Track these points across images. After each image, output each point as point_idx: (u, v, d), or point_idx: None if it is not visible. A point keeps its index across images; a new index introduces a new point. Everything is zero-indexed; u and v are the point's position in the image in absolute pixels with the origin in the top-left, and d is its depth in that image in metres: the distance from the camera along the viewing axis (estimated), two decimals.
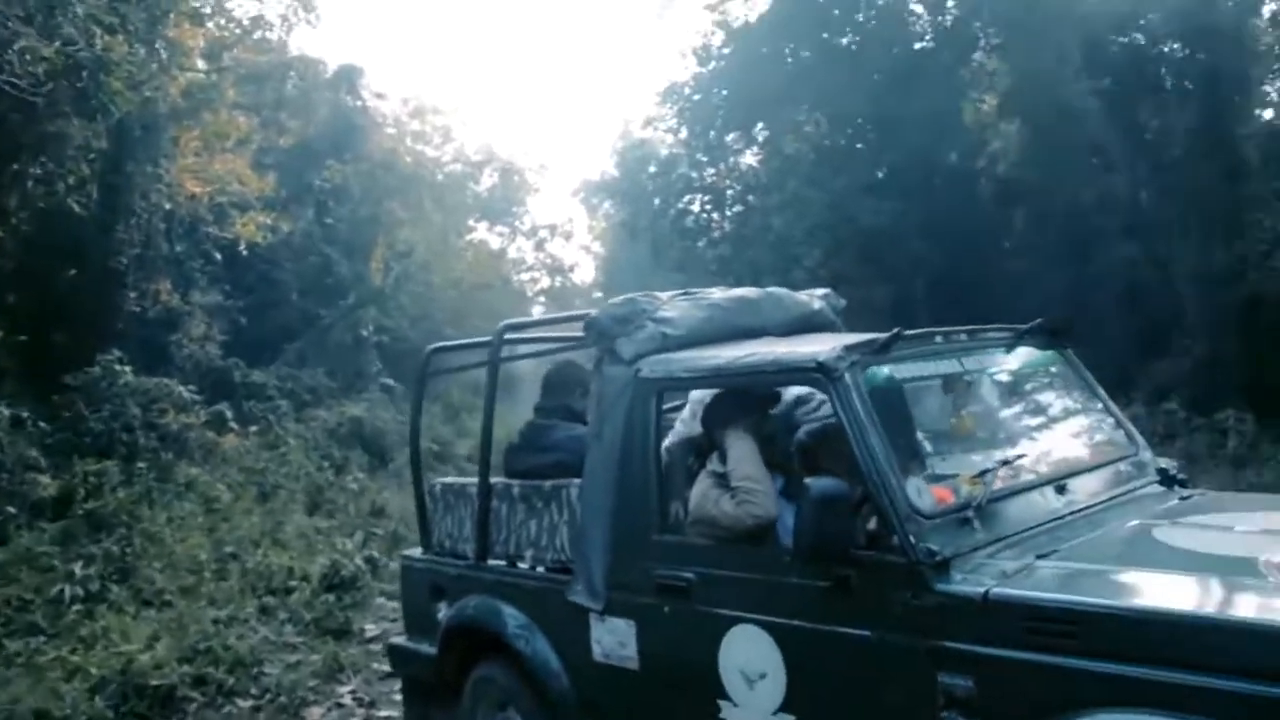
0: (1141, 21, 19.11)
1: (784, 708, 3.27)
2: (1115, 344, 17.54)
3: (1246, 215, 15.48)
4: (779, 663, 3.25)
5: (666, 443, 4.15)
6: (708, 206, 23.08)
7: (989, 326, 4.34)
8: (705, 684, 3.46)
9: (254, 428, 16.52)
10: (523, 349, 6.13)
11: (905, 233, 19.15)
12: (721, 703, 3.44)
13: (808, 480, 3.16)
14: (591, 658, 3.90)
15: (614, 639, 3.80)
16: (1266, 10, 21.04)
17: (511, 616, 4.25)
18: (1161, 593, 2.82)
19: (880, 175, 20.10)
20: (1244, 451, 13.07)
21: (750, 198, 22.42)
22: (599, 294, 34.54)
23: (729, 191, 23.21)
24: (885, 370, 3.57)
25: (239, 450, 15.08)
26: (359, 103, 24.87)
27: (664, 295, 4.35)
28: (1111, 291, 17.74)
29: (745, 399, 3.84)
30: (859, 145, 20.88)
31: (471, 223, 33.84)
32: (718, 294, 4.54)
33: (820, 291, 5.14)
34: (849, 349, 3.38)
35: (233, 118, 18.58)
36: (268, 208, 19.43)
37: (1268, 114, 21.13)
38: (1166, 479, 4.01)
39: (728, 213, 22.98)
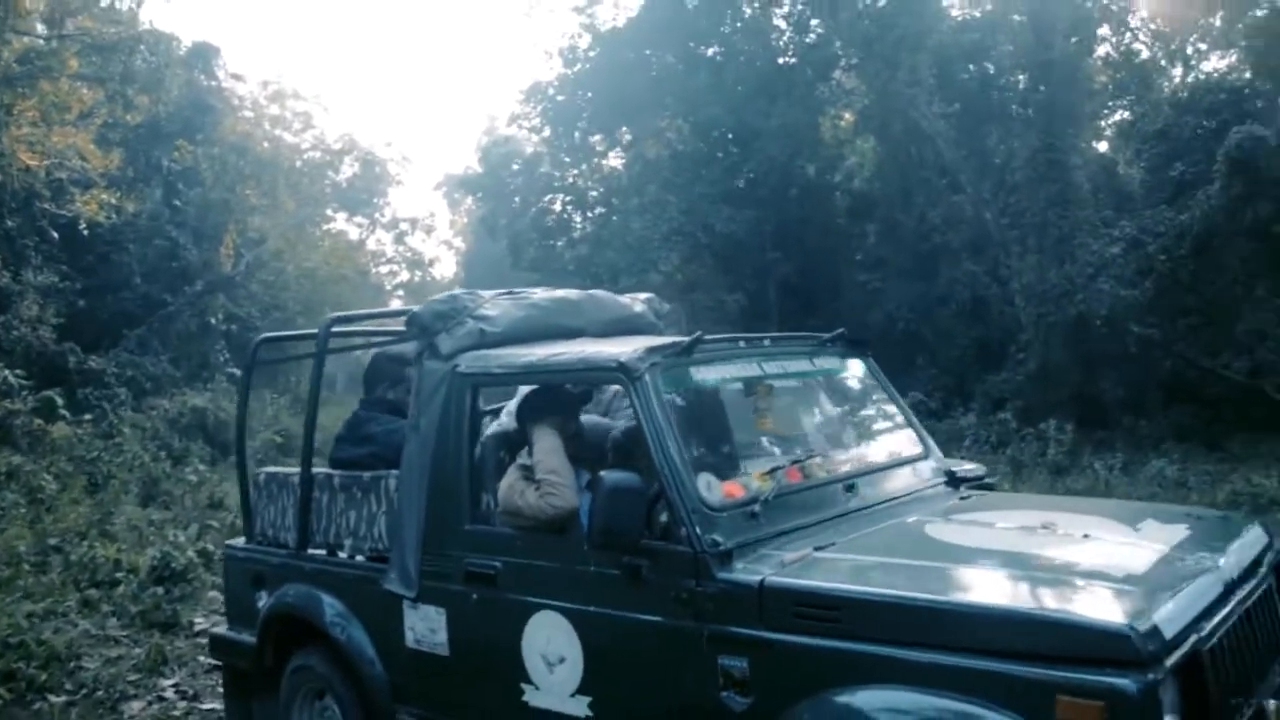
0: (991, 52, 20.05)
1: (581, 690, 3.40)
2: (957, 355, 18.40)
3: (1077, 239, 16.36)
4: (577, 647, 3.39)
5: (483, 436, 4.25)
6: (569, 206, 23.21)
7: (793, 334, 4.68)
8: (510, 668, 3.57)
9: (88, 416, 15.82)
10: (354, 341, 6.17)
11: (760, 241, 19.64)
12: (524, 686, 3.56)
13: (601, 473, 3.29)
14: (405, 645, 3.96)
15: (426, 626, 3.89)
16: (1102, 50, 22.42)
17: (329, 605, 4.28)
18: (915, 581, 3.01)
19: (739, 184, 20.54)
20: (1063, 459, 13.80)
21: (612, 200, 22.64)
22: (459, 290, 34.09)
23: (591, 193, 23.39)
24: (692, 372, 3.74)
25: (70, 439, 14.42)
26: (214, 83, 24.02)
27: (487, 293, 4.45)
28: (955, 306, 18.58)
29: (554, 396, 3.94)
30: (719, 154, 21.30)
31: (330, 212, 33.08)
32: (539, 294, 4.64)
33: (644, 295, 5.28)
34: (650, 351, 3.51)
35: (75, 89, 17.65)
36: (112, 186, 18.57)
37: (1102, 146, 22.48)
38: (953, 480, 4.29)
39: (589, 214, 23.15)
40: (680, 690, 3.16)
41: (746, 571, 3.08)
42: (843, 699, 2.77)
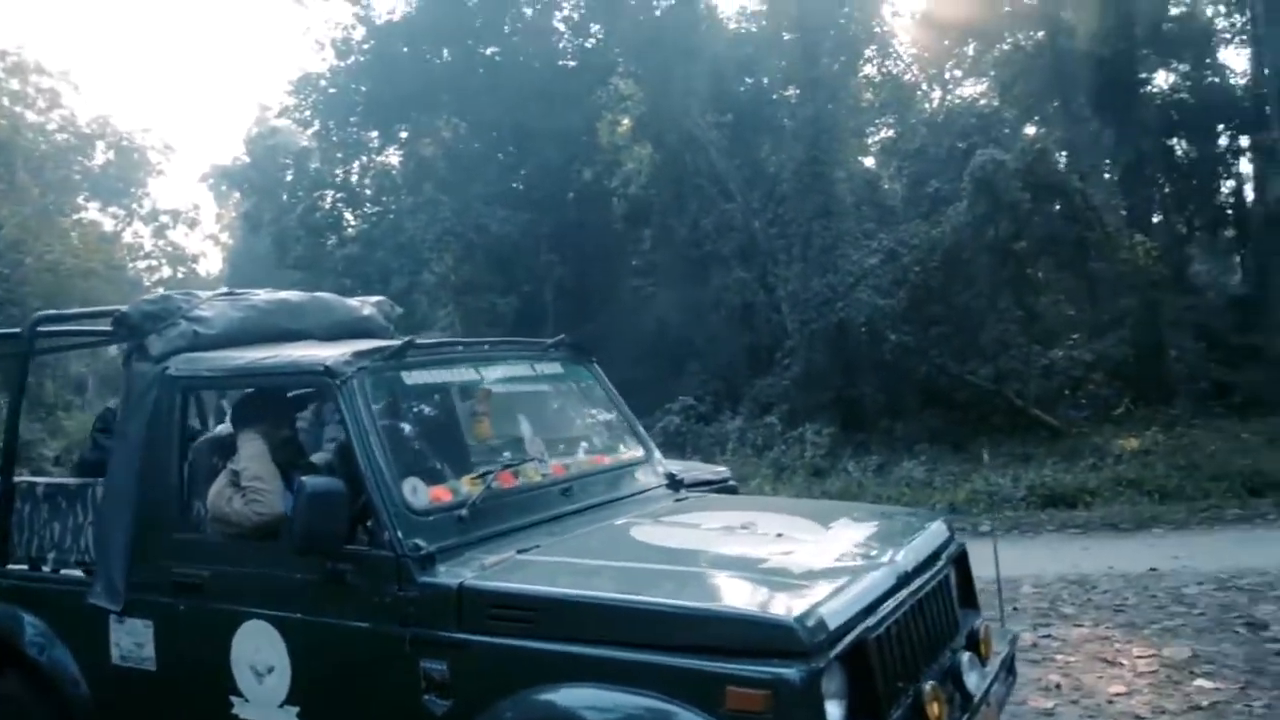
0: (764, 66, 20.65)
1: (289, 699, 3.34)
2: (727, 361, 18.77)
3: (839, 249, 16.98)
4: (284, 656, 3.34)
5: (197, 441, 4.09)
6: (340, 204, 22.32)
7: (515, 339, 4.75)
8: (218, 681, 3.47)
9: None
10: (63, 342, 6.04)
11: (536, 244, 19.48)
12: (233, 699, 3.47)
13: (303, 478, 3.22)
14: (111, 662, 3.79)
15: (132, 640, 3.73)
16: (869, 70, 23.54)
17: (30, 624, 4.03)
18: (609, 582, 3.06)
19: (516, 186, 20.33)
20: (821, 462, 14.26)
21: (384, 198, 21.97)
22: (224, 288, 32.41)
23: (364, 190, 22.61)
24: (404, 376, 3.75)
25: None
26: None
27: (204, 294, 4.33)
28: (725, 312, 18.95)
29: (264, 400, 3.86)
30: (497, 155, 21.02)
31: (81, 201, 30.74)
32: (260, 296, 4.51)
33: (374, 299, 5.23)
34: (358, 355, 3.50)
35: None
36: None
37: (868, 161, 23.56)
38: (673, 483, 4.40)
39: (360, 212, 22.36)
40: (385, 696, 3.12)
41: (448, 575, 3.07)
42: (537, 698, 2.79)
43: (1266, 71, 20.74)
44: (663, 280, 19.34)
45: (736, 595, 2.91)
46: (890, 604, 2.93)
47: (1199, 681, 5.00)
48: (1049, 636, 5.97)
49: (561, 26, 21.81)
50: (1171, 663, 5.35)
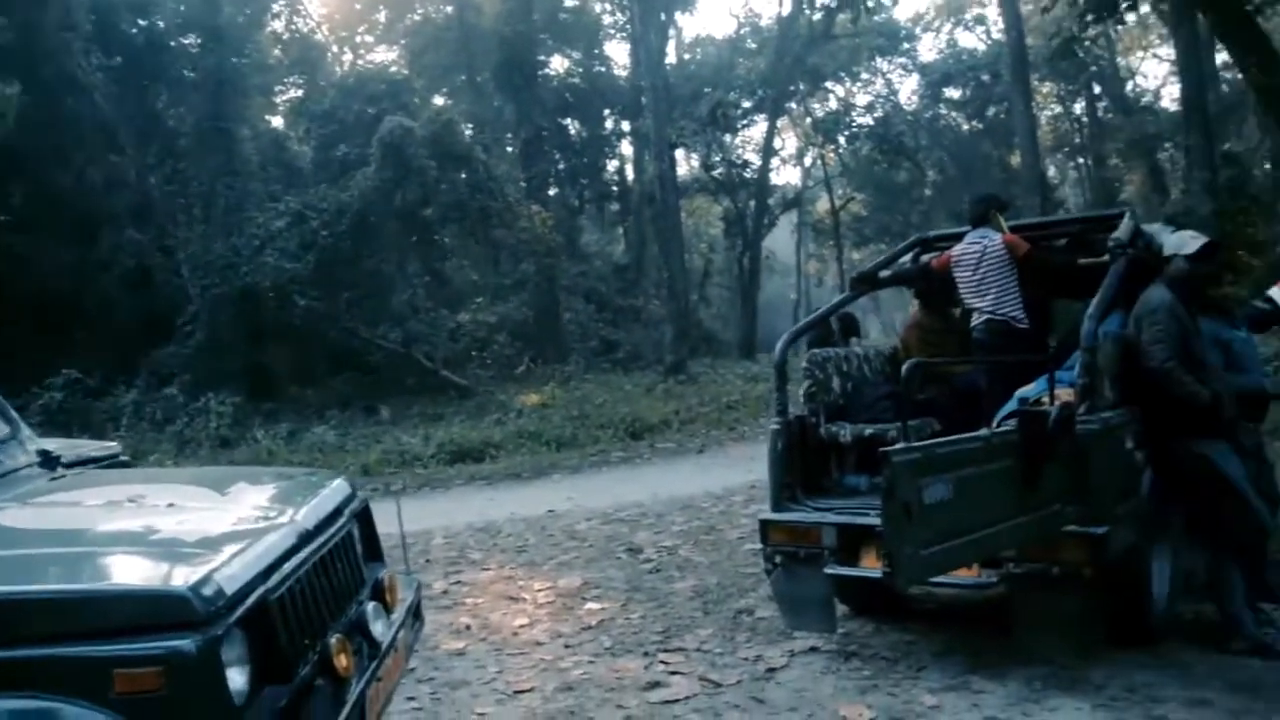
0: (160, 8, 18.97)
1: None
2: (121, 329, 17.12)
3: (245, 211, 16.27)
4: None
5: None
6: None
7: None
8: None
9: None
10: None
11: None
12: None
13: None
14: None
15: None
16: (277, 25, 22.74)
17: None
18: None
19: None
20: (228, 432, 13.63)
21: None
22: None
23: None
24: None
25: None
26: None
27: None
28: (119, 275, 17.25)
29: None
30: None
31: None
32: None
33: None
34: None
35: None
36: None
37: (275, 121, 22.76)
38: (49, 461, 3.92)
39: None
40: None
41: None
42: None
43: (642, 67, 23.38)
44: (42, 238, 17.07)
45: (124, 571, 2.68)
46: (292, 563, 2.83)
47: (589, 605, 5.45)
48: (459, 583, 6.21)
49: None
50: (566, 591, 5.79)
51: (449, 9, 26.59)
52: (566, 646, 4.77)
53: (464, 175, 17.26)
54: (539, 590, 5.95)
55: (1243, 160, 24.24)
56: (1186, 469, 4.05)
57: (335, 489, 3.62)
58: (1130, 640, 4.02)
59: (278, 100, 23.33)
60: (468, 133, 19.95)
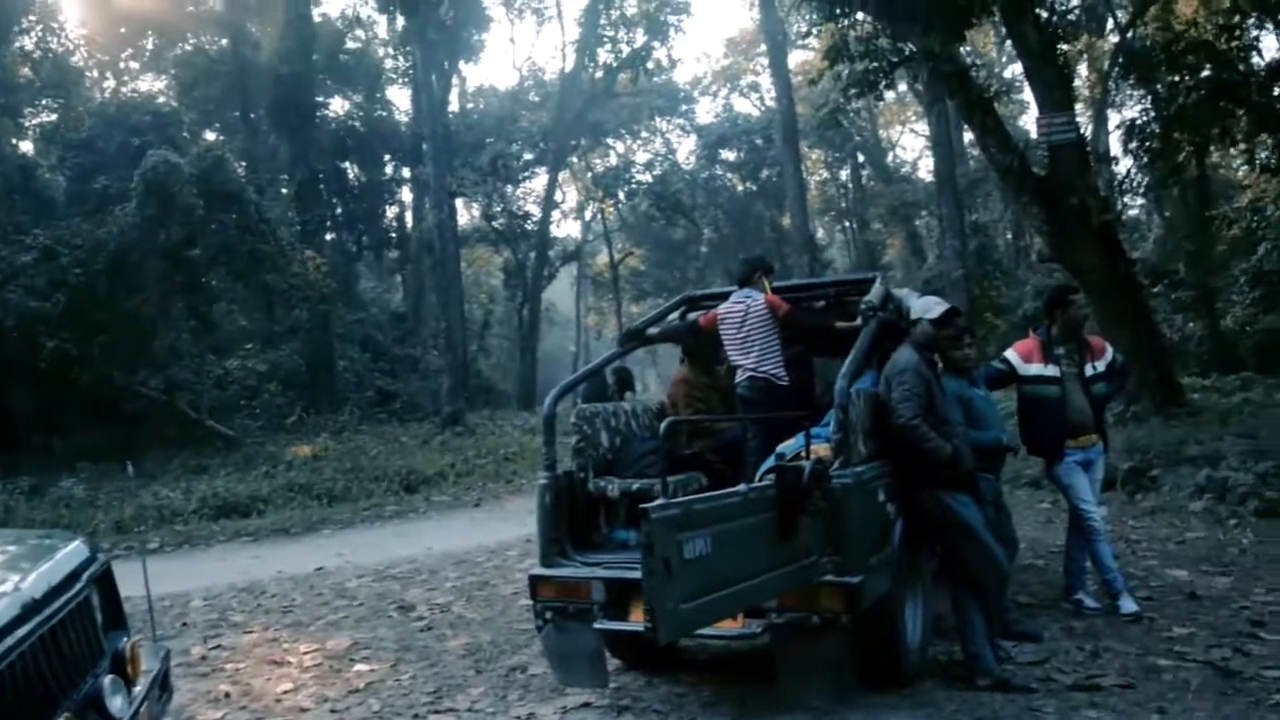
0: None
1: None
2: None
3: None
4: None
5: None
6: None
7: None
8: None
9: None
10: None
11: None
12: None
13: None
14: None
15: None
16: (28, 41, 21.23)
17: None
18: None
19: None
20: None
21: None
22: None
23: None
24: None
25: None
26: None
27: None
28: None
29: None
30: None
31: None
32: None
33: None
34: None
35: None
36: None
37: (25, 146, 21.15)
38: None
39: None
40: None
41: None
42: None
43: (424, 113, 23.21)
44: None
45: None
46: (13, 638, 2.59)
47: (358, 666, 5.28)
48: (219, 647, 5.86)
49: None
50: (334, 653, 5.58)
51: (223, 41, 25.63)
52: (333, 711, 4.62)
53: (234, 215, 16.57)
54: (305, 653, 5.72)
55: (988, 230, 26.49)
56: (932, 518, 4.32)
57: (71, 552, 3.38)
58: (886, 682, 4.24)
59: (27, 124, 21.72)
60: (240, 172, 19.20)
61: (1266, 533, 7.04)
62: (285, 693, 4.98)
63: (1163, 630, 4.92)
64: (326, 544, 9.86)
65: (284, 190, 23.73)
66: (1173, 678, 4.26)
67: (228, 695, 4.99)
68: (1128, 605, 5.20)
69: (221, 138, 24.15)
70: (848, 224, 38.16)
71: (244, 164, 21.36)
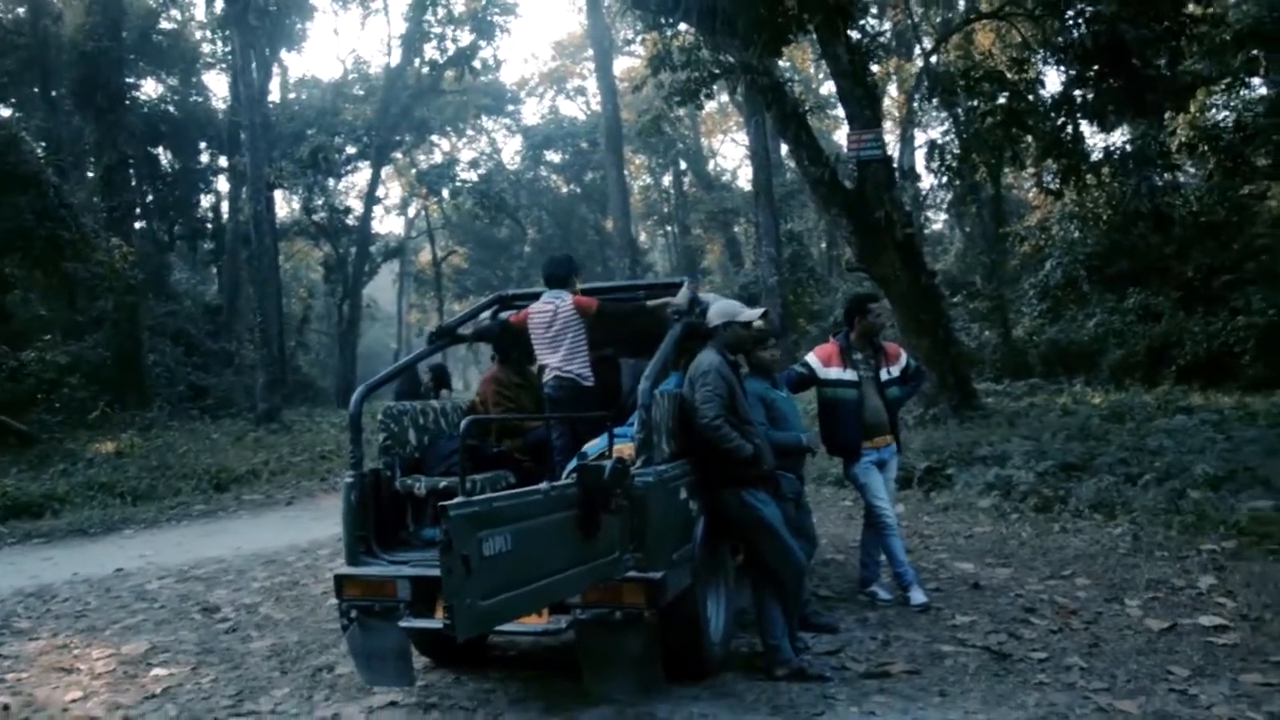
0: None
1: None
2: None
3: None
4: None
5: None
6: None
7: None
8: None
9: None
10: None
11: None
12: None
13: None
14: None
15: None
16: None
17: None
18: None
19: None
20: None
21: None
22: None
23: None
24: None
25: None
26: None
27: None
28: None
29: None
30: None
31: None
32: None
33: None
34: None
35: None
36: None
37: None
38: None
39: None
40: None
41: None
42: None
43: (242, 101, 22.39)
44: None
45: None
46: None
47: (155, 670, 5.06)
48: (0, 657, 5.56)
49: None
50: (129, 658, 5.34)
51: (21, 10, 24.06)
52: (126, 719, 4.47)
53: (30, 199, 15.59)
54: (98, 659, 5.47)
55: (802, 238, 27.51)
56: (733, 515, 4.51)
57: None
58: (690, 675, 4.40)
59: None
60: (39, 152, 18.08)
61: (1043, 527, 7.64)
62: (73, 701, 4.77)
63: (948, 619, 5.30)
64: (128, 545, 9.42)
65: (89, 174, 22.48)
66: (954, 663, 4.60)
67: (6, 708, 4.73)
68: (918, 597, 5.56)
69: (18, 114, 22.62)
70: (669, 228, 38.91)
71: (44, 145, 20.13)
